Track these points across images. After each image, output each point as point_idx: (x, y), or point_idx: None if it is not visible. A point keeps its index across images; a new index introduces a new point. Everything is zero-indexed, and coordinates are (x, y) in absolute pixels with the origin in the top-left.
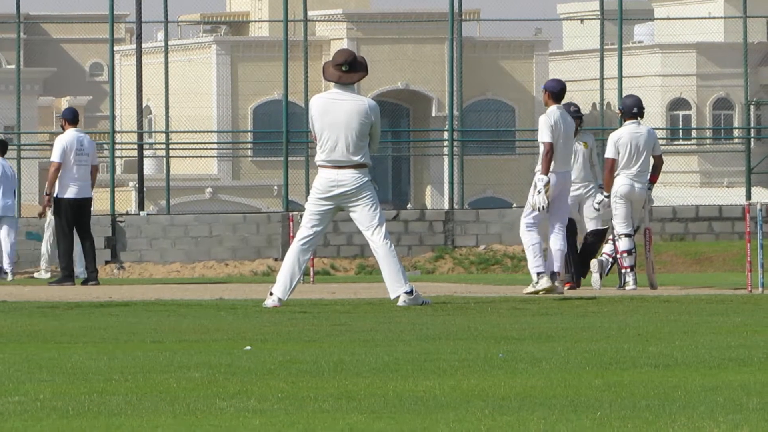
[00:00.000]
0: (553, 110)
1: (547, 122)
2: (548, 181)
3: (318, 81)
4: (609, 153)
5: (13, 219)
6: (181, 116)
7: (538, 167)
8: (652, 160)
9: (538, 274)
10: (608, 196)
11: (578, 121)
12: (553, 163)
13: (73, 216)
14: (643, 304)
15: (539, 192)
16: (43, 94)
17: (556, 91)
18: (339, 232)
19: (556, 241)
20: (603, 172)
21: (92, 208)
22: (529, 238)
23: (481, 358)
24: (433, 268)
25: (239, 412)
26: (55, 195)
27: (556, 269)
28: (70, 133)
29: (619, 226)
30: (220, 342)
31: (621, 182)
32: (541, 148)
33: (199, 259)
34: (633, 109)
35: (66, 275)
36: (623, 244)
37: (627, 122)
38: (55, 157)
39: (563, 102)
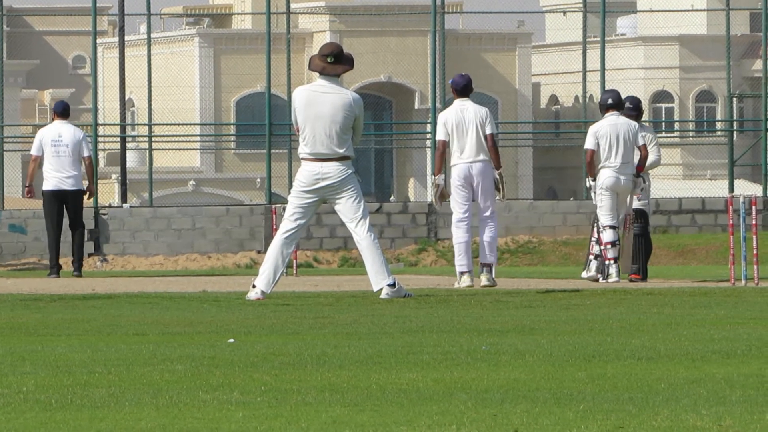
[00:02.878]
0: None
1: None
2: (443, 179)
3: (301, 74)
4: (588, 144)
5: None
6: (163, 109)
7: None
8: (637, 152)
9: (461, 273)
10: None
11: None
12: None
13: (56, 208)
14: (627, 297)
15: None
16: (25, 86)
17: (459, 87)
18: (322, 224)
19: (486, 232)
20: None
21: (80, 200)
22: (454, 236)
23: (464, 351)
24: (416, 260)
25: (222, 404)
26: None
27: (489, 261)
28: (50, 126)
29: (604, 217)
30: (204, 334)
31: (606, 174)
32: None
33: (182, 251)
34: (608, 101)
35: (50, 267)
36: (607, 235)
37: (606, 114)
38: (32, 149)
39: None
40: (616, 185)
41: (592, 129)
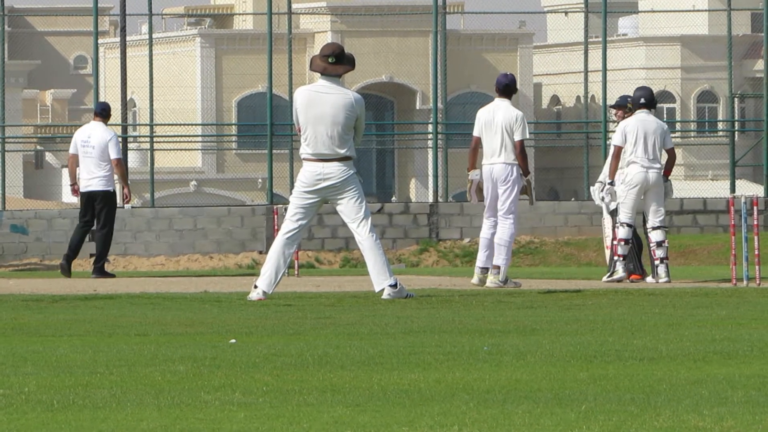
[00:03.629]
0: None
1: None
2: (476, 174)
3: (302, 74)
4: (616, 140)
5: None
6: (165, 109)
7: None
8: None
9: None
10: (612, 183)
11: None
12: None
13: (84, 208)
14: (628, 297)
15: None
16: (27, 86)
17: (500, 87)
18: (324, 225)
19: (497, 234)
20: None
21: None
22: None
23: (465, 351)
24: (417, 261)
25: (224, 405)
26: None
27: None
28: (85, 126)
29: (623, 214)
30: (205, 335)
31: (635, 170)
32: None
33: (183, 252)
34: (641, 100)
35: (61, 261)
36: (622, 232)
37: (637, 111)
38: (70, 148)
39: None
40: (645, 181)
41: (621, 125)
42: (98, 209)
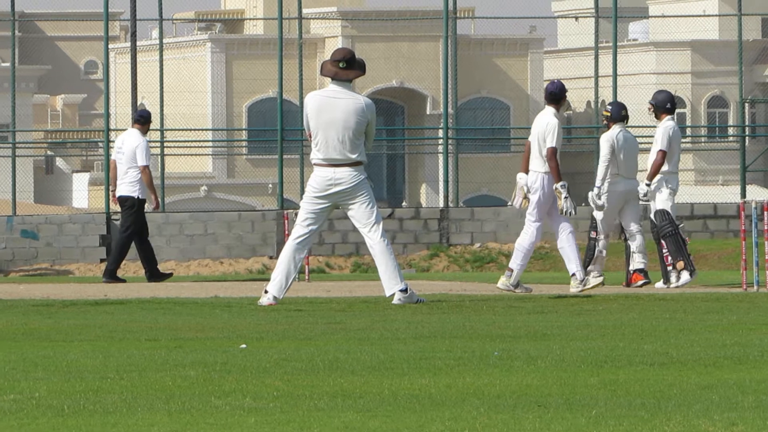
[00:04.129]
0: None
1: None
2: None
3: (313, 79)
4: (663, 145)
5: None
6: (175, 114)
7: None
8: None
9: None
10: (649, 184)
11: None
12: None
13: (120, 213)
14: (639, 302)
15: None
16: (37, 91)
17: (545, 94)
18: (334, 230)
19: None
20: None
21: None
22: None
23: (476, 357)
24: (428, 266)
25: (234, 410)
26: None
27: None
28: (123, 133)
29: (673, 219)
30: (216, 340)
31: (676, 179)
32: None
33: (194, 257)
34: (666, 104)
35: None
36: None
37: (666, 117)
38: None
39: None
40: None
41: (667, 129)
42: (122, 213)
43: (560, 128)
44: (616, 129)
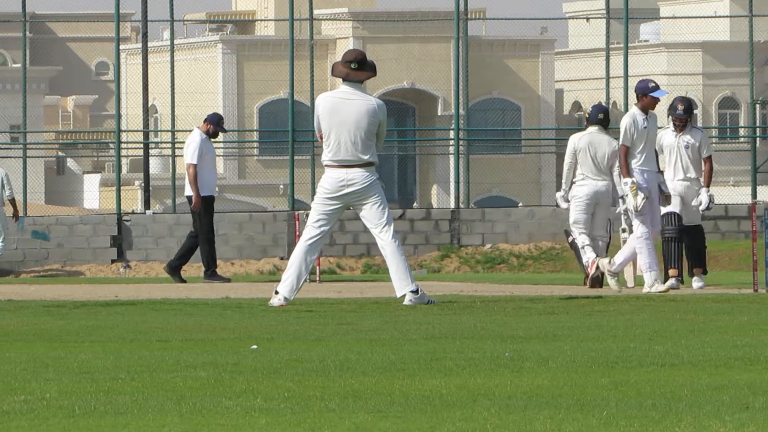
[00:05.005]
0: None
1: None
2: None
3: (324, 80)
4: (711, 150)
5: None
6: (186, 115)
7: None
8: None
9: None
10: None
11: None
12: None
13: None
14: (649, 304)
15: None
16: (49, 92)
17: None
18: (345, 231)
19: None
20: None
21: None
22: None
23: (487, 357)
24: (439, 267)
25: (246, 411)
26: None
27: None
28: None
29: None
30: (227, 341)
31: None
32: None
33: None
34: (598, 116)
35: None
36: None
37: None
38: None
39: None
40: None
41: (706, 134)
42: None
43: (628, 127)
44: (586, 131)
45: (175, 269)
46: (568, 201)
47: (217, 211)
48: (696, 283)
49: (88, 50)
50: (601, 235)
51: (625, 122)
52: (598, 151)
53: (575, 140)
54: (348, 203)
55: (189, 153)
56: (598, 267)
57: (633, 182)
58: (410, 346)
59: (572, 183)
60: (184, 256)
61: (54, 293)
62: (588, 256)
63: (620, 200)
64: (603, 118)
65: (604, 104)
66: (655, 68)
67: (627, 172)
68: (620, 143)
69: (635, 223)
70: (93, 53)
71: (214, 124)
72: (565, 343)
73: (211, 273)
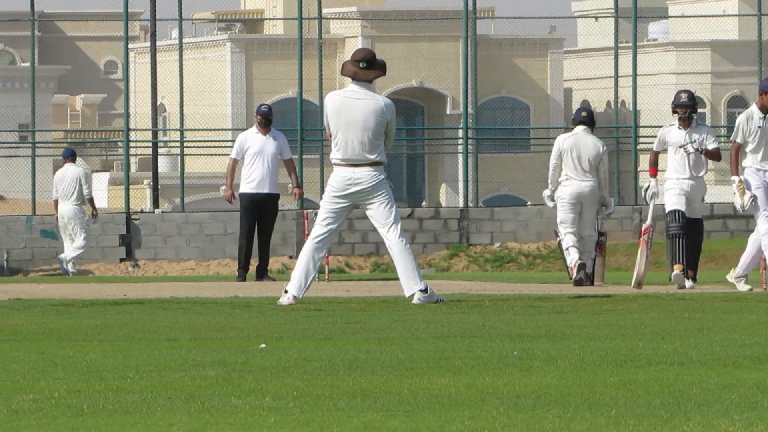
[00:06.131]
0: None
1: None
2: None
3: (332, 79)
4: (739, 137)
5: None
6: (195, 114)
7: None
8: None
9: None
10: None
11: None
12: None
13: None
14: (658, 302)
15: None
16: (57, 91)
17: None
18: (354, 229)
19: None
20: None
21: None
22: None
23: (495, 356)
24: (447, 265)
25: (254, 409)
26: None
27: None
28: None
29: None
30: (235, 340)
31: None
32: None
33: (213, 256)
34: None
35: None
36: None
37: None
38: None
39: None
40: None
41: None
42: None
43: (741, 124)
44: (572, 132)
45: (260, 273)
46: (554, 200)
47: (227, 209)
48: (686, 283)
49: (97, 49)
50: (589, 234)
51: (739, 119)
52: (582, 153)
53: (560, 141)
54: (355, 202)
55: (234, 150)
56: (579, 269)
57: (740, 180)
58: (419, 345)
59: (558, 183)
60: (260, 258)
61: (63, 292)
62: (572, 257)
63: (602, 207)
64: (586, 116)
65: (588, 105)
66: (663, 67)
67: (736, 170)
68: (732, 139)
69: (759, 219)
70: (102, 52)
71: (260, 115)
72: (574, 341)
73: (260, 271)
